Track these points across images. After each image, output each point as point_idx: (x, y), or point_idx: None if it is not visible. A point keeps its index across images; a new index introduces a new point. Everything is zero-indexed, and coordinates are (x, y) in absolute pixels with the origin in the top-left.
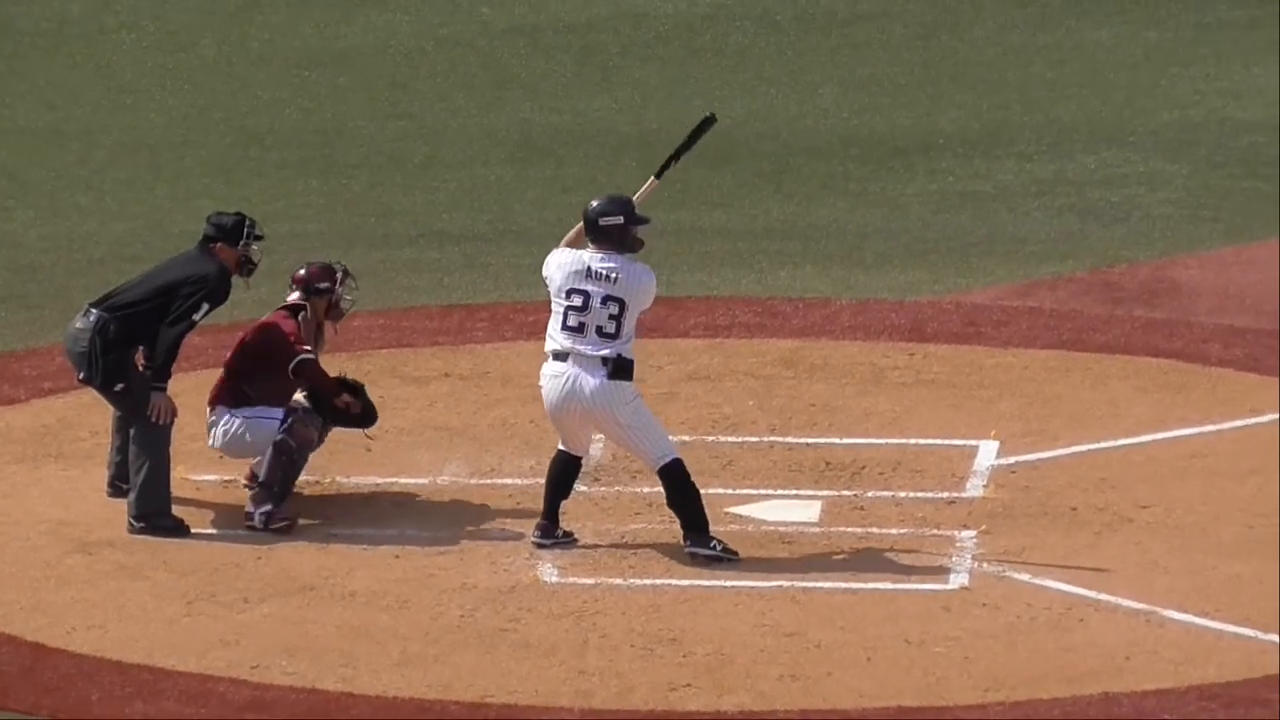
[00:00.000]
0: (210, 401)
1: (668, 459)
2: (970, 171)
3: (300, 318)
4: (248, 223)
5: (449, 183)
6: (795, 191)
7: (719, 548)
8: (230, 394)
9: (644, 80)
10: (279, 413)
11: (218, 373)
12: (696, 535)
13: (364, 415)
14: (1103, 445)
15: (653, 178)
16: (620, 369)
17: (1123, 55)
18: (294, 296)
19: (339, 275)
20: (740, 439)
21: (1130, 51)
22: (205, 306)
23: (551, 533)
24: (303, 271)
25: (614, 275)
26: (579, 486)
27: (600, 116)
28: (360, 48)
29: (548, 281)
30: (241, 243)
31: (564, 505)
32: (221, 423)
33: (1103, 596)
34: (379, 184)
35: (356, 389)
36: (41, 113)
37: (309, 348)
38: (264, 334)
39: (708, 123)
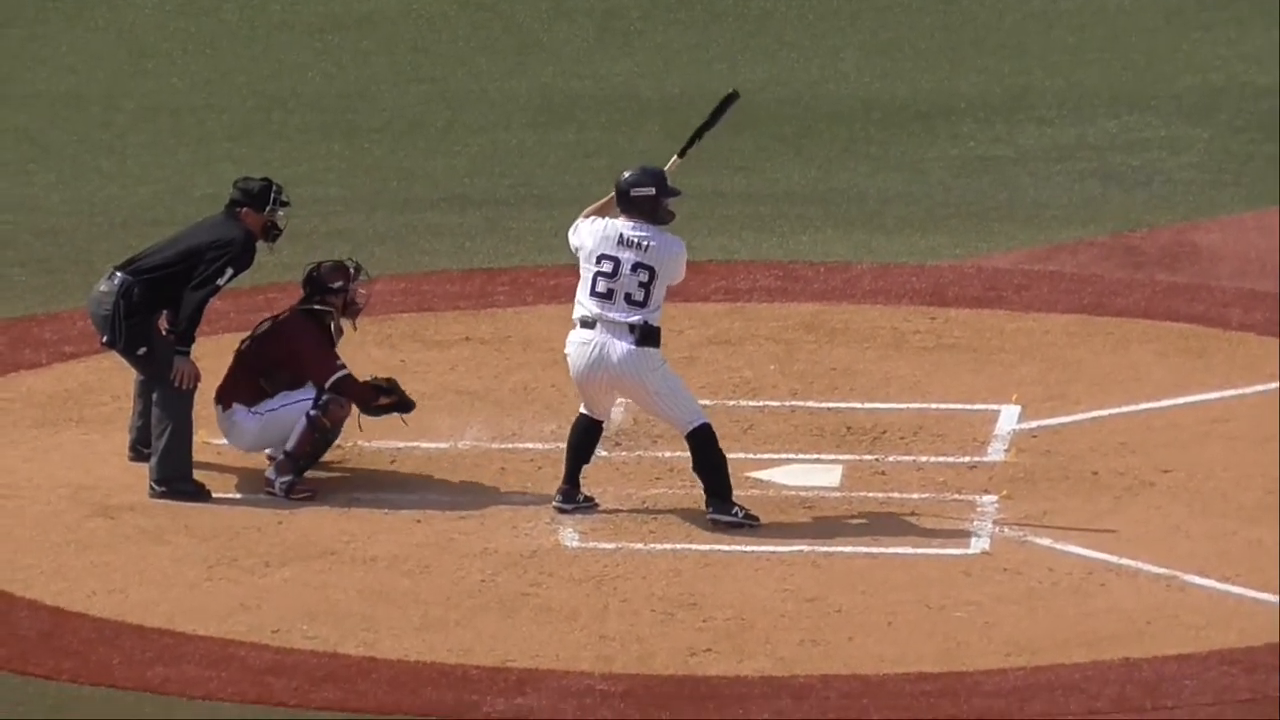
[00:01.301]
0: (222, 399)
1: (696, 423)
2: (991, 136)
3: (330, 325)
4: (274, 188)
5: (471, 147)
6: (816, 156)
7: (740, 514)
8: (248, 391)
9: (666, 45)
10: (302, 394)
11: (240, 337)
12: (719, 501)
13: (401, 404)
14: (1124, 410)
15: (676, 156)
16: (648, 336)
17: (1144, 19)
18: (308, 297)
19: (351, 272)
20: (761, 403)
21: (1151, 16)
22: (230, 271)
23: (573, 497)
24: (315, 272)
25: (646, 244)
26: (600, 451)
27: (622, 81)
28: (383, 11)
29: (577, 249)
30: (268, 208)
31: (585, 470)
32: (245, 423)
33: (1124, 561)
34: (401, 148)
35: (390, 389)
36: (63, 77)
37: (343, 363)
38: (291, 343)
39: (730, 100)
